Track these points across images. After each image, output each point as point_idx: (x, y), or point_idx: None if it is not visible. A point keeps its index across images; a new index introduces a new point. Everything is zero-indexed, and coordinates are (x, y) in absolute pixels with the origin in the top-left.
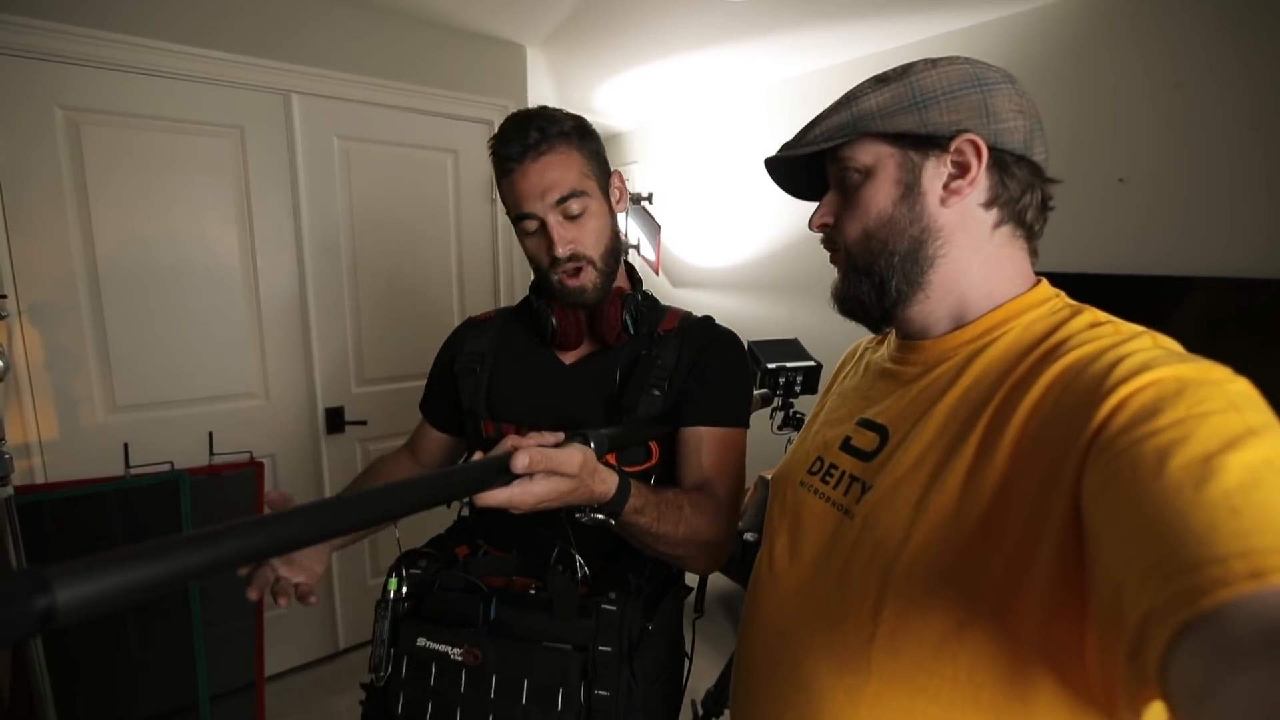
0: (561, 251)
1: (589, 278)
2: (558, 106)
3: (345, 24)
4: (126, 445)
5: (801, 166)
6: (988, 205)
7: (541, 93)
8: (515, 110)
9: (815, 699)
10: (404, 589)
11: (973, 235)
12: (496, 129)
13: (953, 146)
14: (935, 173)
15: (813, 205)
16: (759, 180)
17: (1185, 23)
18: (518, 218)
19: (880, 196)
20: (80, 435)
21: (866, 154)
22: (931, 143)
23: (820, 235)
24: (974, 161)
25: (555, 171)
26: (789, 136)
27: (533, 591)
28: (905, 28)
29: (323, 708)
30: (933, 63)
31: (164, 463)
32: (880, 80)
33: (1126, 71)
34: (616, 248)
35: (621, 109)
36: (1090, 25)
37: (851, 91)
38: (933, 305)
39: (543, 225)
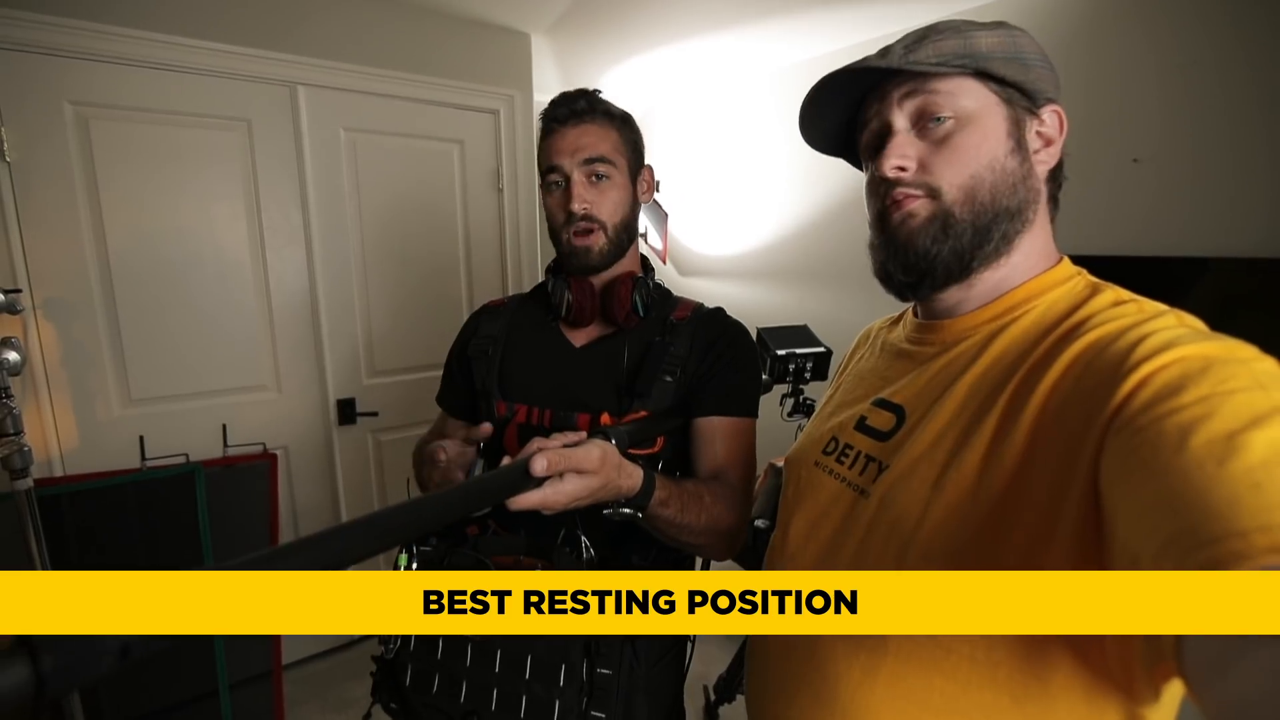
0: (577, 207)
1: (598, 241)
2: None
3: (350, 15)
4: (142, 438)
5: (838, 109)
6: (1048, 179)
7: (547, 81)
8: (521, 98)
9: (831, 678)
10: (414, 565)
11: (1041, 206)
12: (503, 118)
13: (1043, 114)
14: (1031, 135)
15: (823, 160)
16: (766, 167)
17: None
18: (546, 170)
19: (991, 143)
20: (96, 429)
21: (970, 97)
22: (1029, 104)
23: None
24: (1057, 134)
25: (590, 137)
26: (795, 123)
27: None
28: (910, 10)
29: (340, 695)
30: (1012, 26)
31: (179, 455)
32: (975, 23)
33: (1137, 50)
34: (632, 228)
35: (626, 96)
36: (1100, 2)
37: (952, 22)
38: (1005, 272)
39: (567, 182)
